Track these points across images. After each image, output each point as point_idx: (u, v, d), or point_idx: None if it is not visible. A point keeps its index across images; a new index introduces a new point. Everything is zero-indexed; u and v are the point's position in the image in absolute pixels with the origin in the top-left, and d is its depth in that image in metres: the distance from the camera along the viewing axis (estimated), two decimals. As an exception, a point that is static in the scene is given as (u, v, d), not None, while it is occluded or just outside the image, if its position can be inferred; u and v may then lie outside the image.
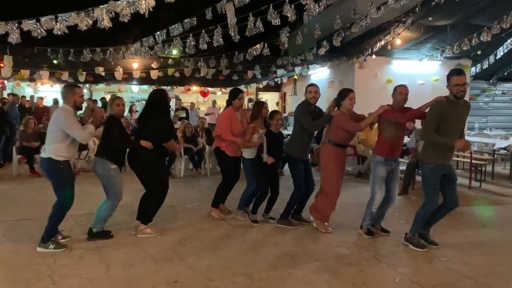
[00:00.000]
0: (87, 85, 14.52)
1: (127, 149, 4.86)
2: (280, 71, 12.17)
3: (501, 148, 9.33)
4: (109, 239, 4.63)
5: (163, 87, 16.19)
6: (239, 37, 6.71)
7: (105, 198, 4.66)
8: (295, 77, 14.74)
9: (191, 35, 7.36)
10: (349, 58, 11.15)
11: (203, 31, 7.07)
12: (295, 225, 5.20)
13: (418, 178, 6.86)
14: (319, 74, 13.59)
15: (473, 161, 8.11)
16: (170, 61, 11.19)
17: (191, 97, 17.37)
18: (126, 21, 6.02)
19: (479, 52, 11.26)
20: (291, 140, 5.27)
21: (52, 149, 4.23)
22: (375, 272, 3.90)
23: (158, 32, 7.77)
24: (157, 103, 4.87)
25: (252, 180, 5.37)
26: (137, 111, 13.91)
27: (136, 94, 16.90)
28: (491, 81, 13.43)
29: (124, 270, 3.84)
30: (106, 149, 4.58)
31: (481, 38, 9.02)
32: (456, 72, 4.12)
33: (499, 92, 14.13)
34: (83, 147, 7.76)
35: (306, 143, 5.16)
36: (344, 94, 4.86)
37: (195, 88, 15.63)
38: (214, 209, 5.63)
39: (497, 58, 11.30)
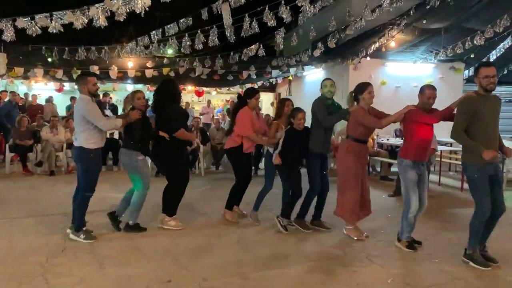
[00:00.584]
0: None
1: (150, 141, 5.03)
2: (275, 72, 12.20)
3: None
4: (142, 232, 4.85)
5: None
6: (234, 37, 6.72)
7: (126, 191, 4.94)
8: (290, 78, 14.77)
9: (186, 35, 7.36)
10: (344, 60, 11.19)
11: (199, 31, 7.07)
12: (308, 229, 5.04)
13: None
14: (314, 75, 13.62)
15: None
16: (165, 60, 11.17)
17: (186, 97, 17.31)
18: (121, 20, 6.01)
19: (472, 55, 11.35)
20: (311, 136, 5.08)
21: (82, 138, 4.48)
22: (368, 272, 3.93)
23: (153, 32, 7.76)
24: (168, 93, 4.98)
25: (269, 179, 5.30)
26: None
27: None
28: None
29: (118, 269, 3.84)
30: (131, 141, 4.76)
31: (475, 42, 9.11)
32: (485, 64, 3.93)
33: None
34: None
35: (324, 137, 5.02)
36: (363, 88, 4.66)
37: (190, 87, 15.61)
38: (228, 211, 5.48)
39: (490, 61, 11.40)
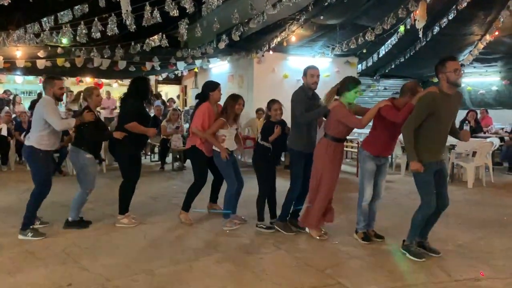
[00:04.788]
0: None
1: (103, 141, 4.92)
2: (180, 64, 11.98)
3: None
4: (85, 229, 4.76)
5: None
6: (135, 27, 6.44)
7: None
8: (196, 70, 14.63)
9: (82, 22, 6.88)
10: (248, 53, 11.37)
11: (96, 19, 6.65)
12: (292, 232, 4.73)
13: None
14: (220, 67, 13.65)
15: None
16: (59, 50, 10.34)
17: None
18: (6, 4, 5.44)
19: (364, 51, 12.22)
20: (291, 133, 4.75)
21: (34, 138, 4.46)
22: (274, 258, 4.07)
23: (45, 19, 7.13)
24: (132, 90, 4.92)
25: (229, 178, 4.92)
26: (21, 103, 12.70)
27: (20, 85, 15.35)
28: (374, 77, 14.69)
29: (9, 277, 3.51)
30: (81, 139, 4.71)
31: (366, 38, 9.83)
32: (450, 58, 3.78)
33: (381, 87, 15.49)
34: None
35: (307, 134, 4.59)
36: (353, 83, 4.32)
37: (88, 79, 14.68)
38: (184, 212, 5.14)
39: (379, 56, 12.40)
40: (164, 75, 14.38)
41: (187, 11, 6.21)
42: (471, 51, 12.40)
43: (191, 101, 16.29)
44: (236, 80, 12.56)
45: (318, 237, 4.56)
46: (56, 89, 4.53)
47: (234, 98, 4.92)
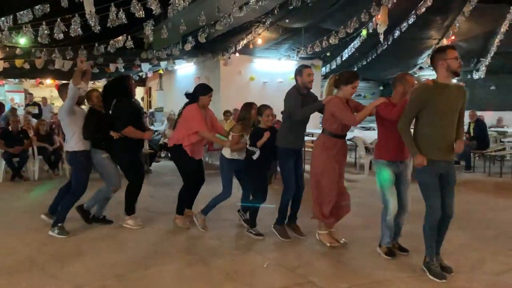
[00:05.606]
0: None
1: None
2: (145, 65, 11.83)
3: (348, 140, 10.48)
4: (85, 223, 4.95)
5: (11, 80, 14.43)
6: (99, 27, 6.32)
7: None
8: (161, 71, 14.48)
9: (44, 23, 6.67)
10: (215, 55, 11.38)
11: (59, 19, 6.47)
12: (288, 238, 4.58)
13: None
14: (186, 69, 13.58)
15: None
16: (18, 51, 9.97)
17: (44, 92, 15.76)
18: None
19: (328, 54, 12.52)
20: (279, 130, 4.63)
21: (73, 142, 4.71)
22: (245, 259, 4.09)
23: (3, 18, 6.87)
24: (116, 90, 4.88)
25: (228, 185, 4.79)
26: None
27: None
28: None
29: (-30, 288, 3.37)
30: (97, 140, 4.77)
31: (330, 41, 10.06)
32: (451, 46, 3.55)
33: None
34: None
35: (297, 131, 4.53)
36: (350, 79, 4.11)
37: (48, 81, 14.22)
38: (179, 216, 5.06)
39: (343, 59, 12.71)
40: (128, 76, 14.11)
41: (154, 13, 6.16)
42: (429, 54, 12.91)
43: (156, 103, 16.10)
44: (202, 81, 12.47)
45: (328, 244, 4.32)
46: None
47: (249, 105, 4.78)
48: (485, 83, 14.02)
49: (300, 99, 4.41)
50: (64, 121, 4.67)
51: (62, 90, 4.77)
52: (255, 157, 4.55)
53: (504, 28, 10.49)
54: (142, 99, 17.17)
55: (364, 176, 8.72)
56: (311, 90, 4.62)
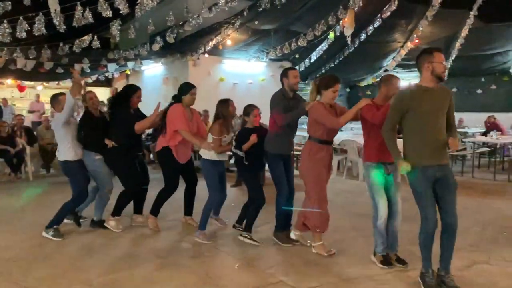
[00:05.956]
0: None
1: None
2: (111, 66, 11.59)
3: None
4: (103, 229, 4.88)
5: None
6: (65, 27, 6.15)
7: None
8: (128, 72, 14.23)
9: (5, 21, 6.42)
10: (183, 56, 11.29)
11: (21, 17, 6.24)
12: (289, 243, 4.42)
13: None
14: (153, 70, 13.40)
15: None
16: (-24, 49, 9.58)
17: (4, 92, 15.17)
18: None
19: (297, 56, 12.65)
20: (268, 135, 4.50)
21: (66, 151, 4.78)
22: (217, 261, 4.08)
23: (-40, 16, 6.58)
24: (117, 98, 5.03)
25: (214, 190, 4.62)
26: None
27: None
28: (306, 81, 15.24)
29: None
30: (89, 142, 4.80)
31: (299, 43, 10.18)
32: (437, 49, 3.40)
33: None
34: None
35: (285, 136, 4.41)
36: (329, 83, 4.01)
37: (9, 81, 13.69)
38: (152, 216, 4.97)
39: (311, 61, 12.87)
40: (93, 77, 13.81)
41: (121, 12, 6.05)
42: (394, 57, 13.28)
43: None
44: (171, 82, 12.40)
45: (326, 254, 4.14)
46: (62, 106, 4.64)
47: (225, 101, 4.63)
48: (447, 85, 14.28)
49: (285, 103, 4.32)
50: (59, 132, 4.69)
51: (55, 101, 4.73)
52: (244, 160, 4.44)
53: (464, 32, 10.93)
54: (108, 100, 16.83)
55: (333, 176, 8.82)
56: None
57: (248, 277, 3.68)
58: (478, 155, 10.46)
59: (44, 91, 15.07)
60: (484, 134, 11.32)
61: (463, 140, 11.00)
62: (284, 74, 4.44)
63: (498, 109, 13.52)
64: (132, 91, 4.96)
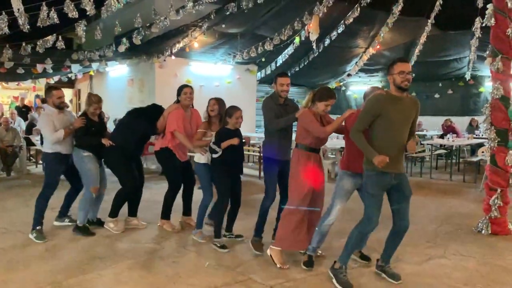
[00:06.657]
0: None
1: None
2: (75, 67, 11.33)
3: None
4: (90, 236, 4.78)
5: None
6: (29, 26, 6.01)
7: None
8: (92, 73, 13.95)
9: (-36, 20, 6.21)
10: (149, 57, 11.21)
11: (-18, 16, 6.06)
12: (262, 251, 4.32)
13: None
14: (118, 71, 13.20)
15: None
16: None
17: (-41, 92, 14.57)
18: None
19: (263, 59, 12.81)
20: (264, 139, 4.51)
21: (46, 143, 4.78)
22: (186, 261, 4.14)
23: None
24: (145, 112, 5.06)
25: (208, 191, 4.66)
26: None
27: None
28: (272, 84, 15.48)
29: None
30: (83, 143, 4.80)
31: (265, 47, 10.34)
32: (401, 59, 3.47)
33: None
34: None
35: (278, 142, 4.31)
36: (323, 97, 3.96)
37: (-35, 81, 13.15)
38: (166, 221, 5.03)
39: (277, 65, 13.08)
40: (56, 78, 13.45)
41: (88, 14, 5.99)
42: (357, 62, 13.69)
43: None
44: (137, 84, 12.29)
45: (279, 265, 3.95)
46: (55, 99, 4.73)
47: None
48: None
49: (275, 109, 4.28)
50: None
51: (48, 94, 4.85)
52: (215, 156, 4.39)
53: (422, 39, 11.41)
54: (71, 101, 16.42)
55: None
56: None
57: (217, 276, 3.77)
58: (436, 156, 10.97)
59: (2, 91, 14.57)
60: (441, 136, 11.88)
61: (422, 142, 11.48)
62: (274, 80, 4.45)
63: (454, 113, 14.21)
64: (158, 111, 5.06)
